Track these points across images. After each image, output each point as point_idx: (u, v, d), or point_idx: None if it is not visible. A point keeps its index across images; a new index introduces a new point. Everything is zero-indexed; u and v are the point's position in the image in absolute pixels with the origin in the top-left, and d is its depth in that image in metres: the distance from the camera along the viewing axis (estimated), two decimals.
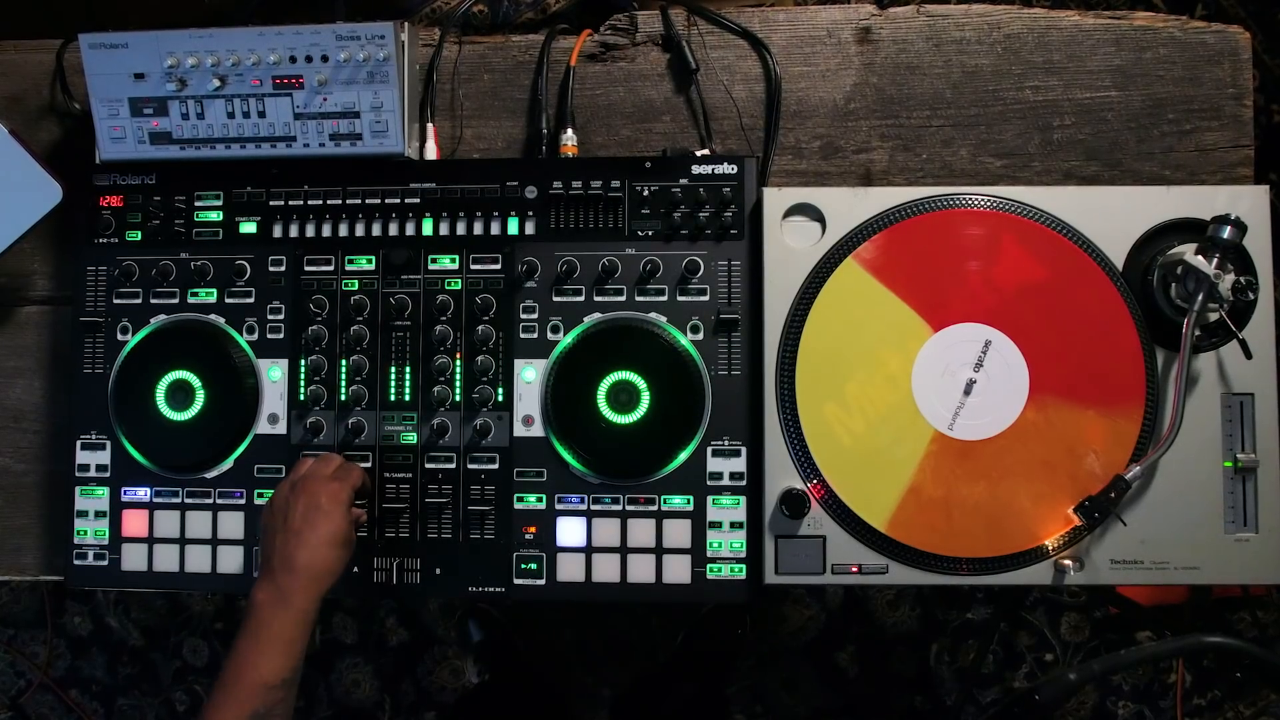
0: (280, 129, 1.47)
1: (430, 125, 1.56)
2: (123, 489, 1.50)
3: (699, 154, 1.50)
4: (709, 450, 1.45)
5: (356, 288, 1.49)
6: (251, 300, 1.50)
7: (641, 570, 1.45)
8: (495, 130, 1.59)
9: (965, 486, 1.38)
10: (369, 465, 1.48)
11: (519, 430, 1.47)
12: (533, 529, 1.46)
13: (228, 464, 1.49)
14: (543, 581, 1.45)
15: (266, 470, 1.49)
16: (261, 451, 1.49)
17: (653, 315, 1.46)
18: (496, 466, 1.47)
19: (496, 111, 1.59)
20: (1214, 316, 1.35)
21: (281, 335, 1.50)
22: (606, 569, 1.45)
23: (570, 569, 1.46)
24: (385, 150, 1.47)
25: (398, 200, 1.50)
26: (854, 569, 1.39)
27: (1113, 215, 1.40)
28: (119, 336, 1.51)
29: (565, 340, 1.46)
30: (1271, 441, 1.38)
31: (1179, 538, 1.38)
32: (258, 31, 1.44)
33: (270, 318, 1.50)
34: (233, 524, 1.49)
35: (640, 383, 1.43)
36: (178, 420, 1.48)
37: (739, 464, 1.44)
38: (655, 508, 1.45)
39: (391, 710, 2.84)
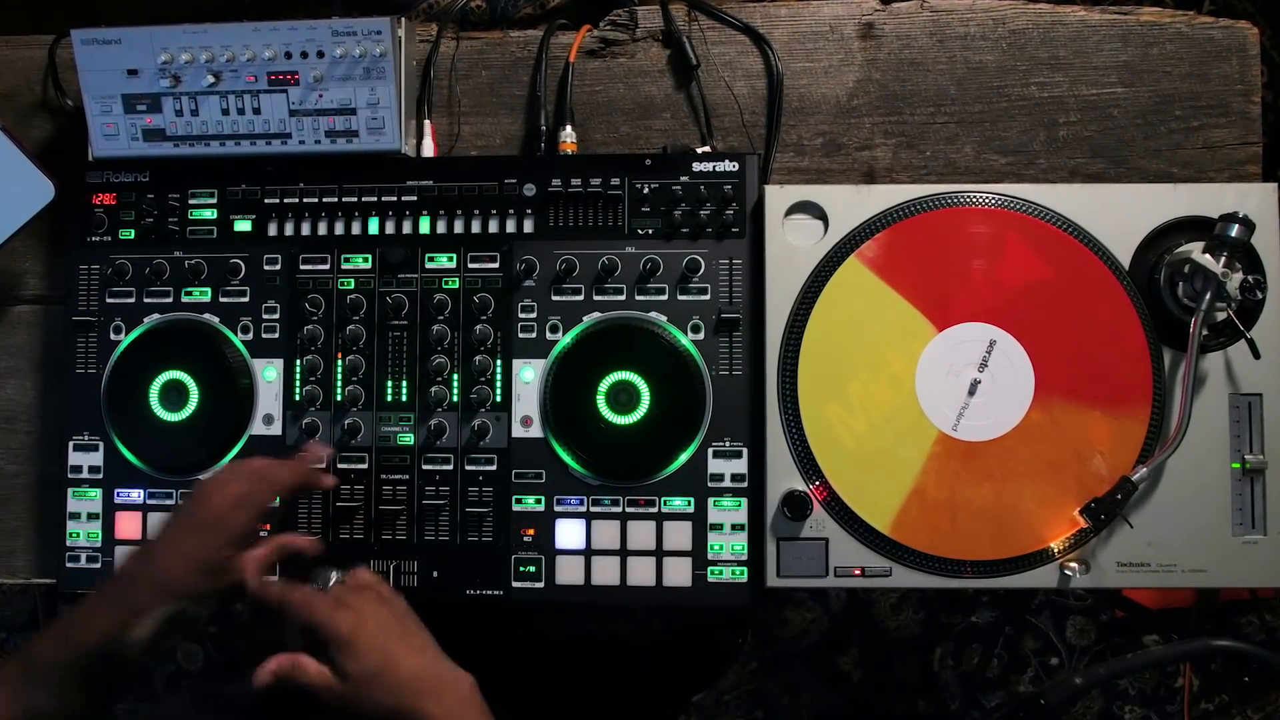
0: (275, 126, 1.46)
1: (427, 122, 1.54)
2: (116, 491, 1.49)
3: (700, 151, 1.49)
4: (710, 451, 1.43)
5: (353, 287, 1.48)
6: (246, 299, 1.49)
7: (642, 573, 1.43)
8: (493, 127, 1.58)
9: (969, 488, 1.37)
10: (365, 467, 1.46)
11: (517, 431, 1.45)
12: (531, 531, 1.44)
13: (222, 465, 1.47)
14: (541, 584, 1.44)
15: None
16: (256, 453, 1.46)
17: (653, 314, 1.44)
18: (495, 468, 1.45)
19: (494, 108, 1.58)
20: (1221, 316, 1.34)
21: (277, 335, 1.48)
22: (606, 572, 1.44)
23: (569, 572, 1.44)
24: (382, 147, 1.46)
25: (394, 198, 1.48)
26: (857, 572, 1.38)
27: (1119, 213, 1.39)
28: (112, 336, 1.49)
29: (564, 340, 1.45)
30: None
31: (1186, 540, 1.37)
32: (252, 27, 1.43)
33: (265, 317, 1.48)
34: None
35: (640, 383, 1.42)
36: (171, 421, 1.46)
37: (740, 465, 1.43)
38: (655, 510, 1.43)
39: None
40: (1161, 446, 1.35)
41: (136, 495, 1.48)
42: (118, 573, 1.24)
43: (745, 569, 1.42)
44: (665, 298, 1.44)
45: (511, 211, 1.47)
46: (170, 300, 1.49)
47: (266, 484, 1.27)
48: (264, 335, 1.48)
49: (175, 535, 1.22)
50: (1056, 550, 1.36)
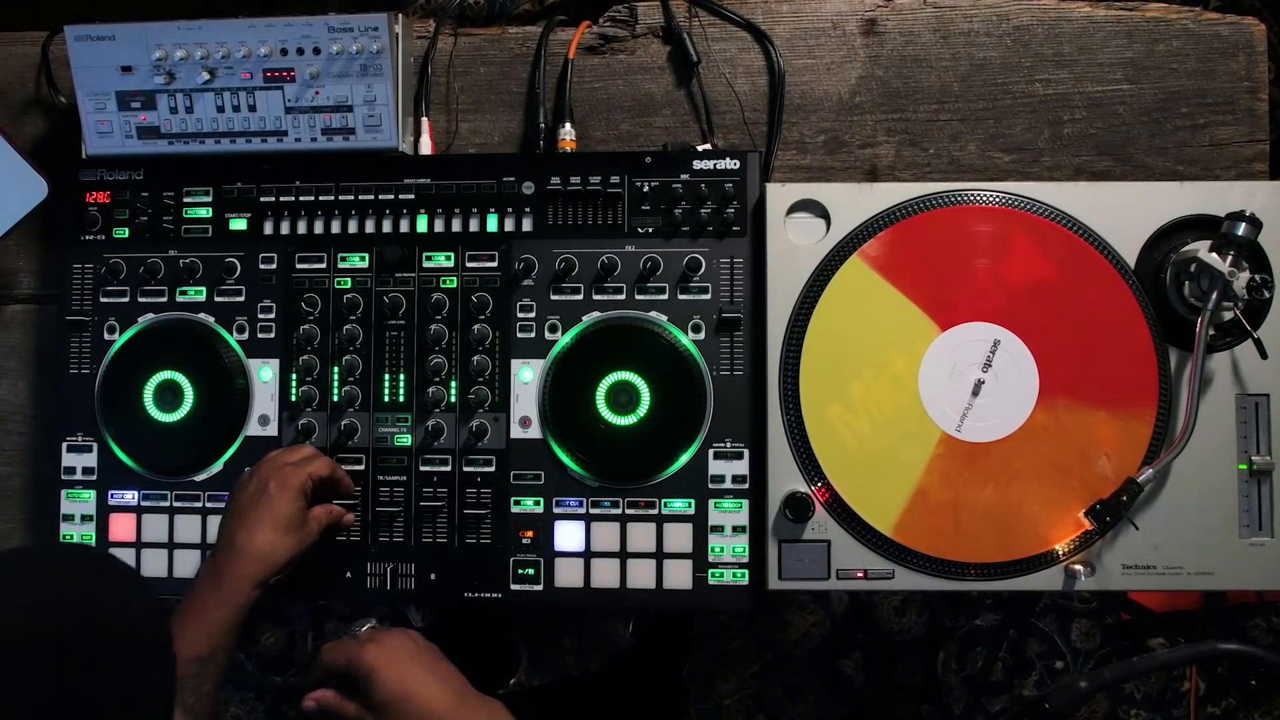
0: (271, 123, 1.44)
1: (425, 119, 1.53)
2: (110, 492, 1.47)
3: (700, 149, 1.48)
4: (711, 452, 1.42)
5: (349, 286, 1.46)
6: (242, 299, 1.47)
7: (641, 576, 1.42)
8: (491, 124, 1.56)
9: (973, 490, 1.35)
10: (362, 468, 1.45)
11: (516, 432, 1.44)
12: (530, 533, 1.43)
13: (217, 466, 1.46)
14: (540, 587, 1.42)
15: None
16: (252, 454, 1.45)
17: (653, 314, 1.43)
18: (493, 469, 1.44)
19: (493, 105, 1.56)
20: (1228, 315, 1.33)
21: (272, 335, 1.47)
22: (606, 574, 1.42)
23: (568, 574, 1.42)
24: (379, 145, 1.45)
25: (391, 196, 1.47)
26: (859, 574, 1.36)
27: (1124, 212, 1.37)
28: (106, 336, 1.48)
29: (563, 340, 1.43)
30: None
31: (1192, 542, 1.36)
32: (248, 23, 1.41)
33: (261, 317, 1.47)
34: None
35: (640, 383, 1.40)
36: (166, 422, 1.45)
37: (741, 466, 1.41)
38: (655, 511, 1.42)
39: None
40: (1167, 447, 1.33)
41: (130, 497, 1.47)
42: (212, 566, 1.27)
43: (746, 571, 1.41)
44: (665, 297, 1.43)
45: (510, 210, 1.45)
46: (165, 300, 1.48)
47: (310, 451, 1.40)
48: (260, 335, 1.47)
49: (249, 512, 1.29)
50: (1061, 552, 1.35)
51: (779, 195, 1.40)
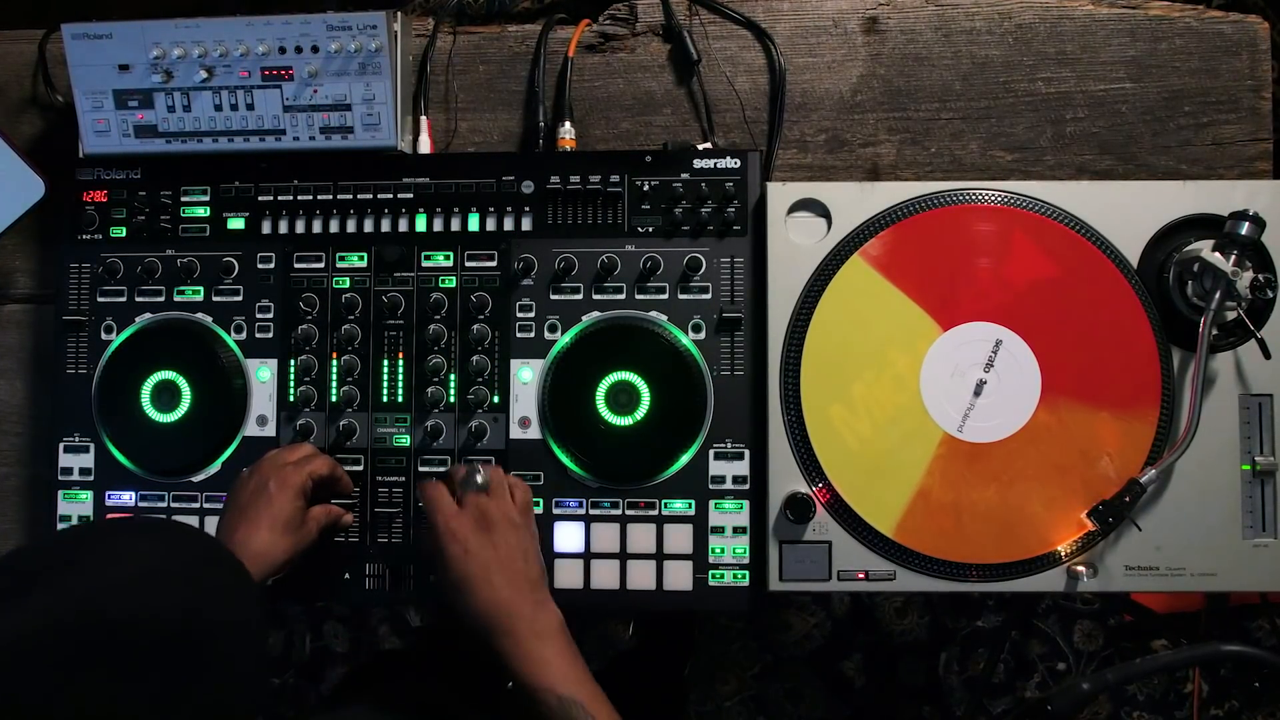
0: (269, 122, 1.44)
1: (424, 118, 1.52)
2: (107, 493, 1.47)
3: (700, 148, 1.48)
4: (711, 453, 1.41)
5: (348, 285, 1.46)
6: (240, 298, 1.47)
7: (641, 577, 1.41)
8: (491, 123, 1.56)
9: (975, 490, 1.35)
10: (361, 469, 1.44)
11: (515, 432, 1.43)
12: None
13: (215, 467, 1.46)
14: None
15: None
16: (250, 454, 1.44)
17: (653, 314, 1.42)
18: None
19: (492, 104, 1.56)
20: (1231, 315, 1.32)
21: (270, 335, 1.46)
22: (605, 575, 1.41)
23: (568, 575, 1.42)
24: (377, 144, 1.44)
25: (390, 195, 1.46)
26: (860, 575, 1.36)
27: (1127, 211, 1.37)
28: (103, 336, 1.47)
29: (563, 340, 1.43)
30: None
31: (1195, 543, 1.35)
32: (246, 21, 1.41)
33: (259, 316, 1.46)
34: None
35: (640, 383, 1.40)
36: (164, 422, 1.44)
37: (742, 467, 1.41)
38: (656, 512, 1.41)
39: None
40: (1170, 448, 1.33)
41: (128, 498, 1.46)
42: None
43: (747, 573, 1.40)
44: (666, 297, 1.42)
45: (509, 209, 1.45)
46: (162, 299, 1.47)
47: (310, 450, 1.39)
48: (258, 335, 1.46)
49: (248, 510, 1.29)
50: (1064, 553, 1.34)
51: (780, 194, 1.39)
